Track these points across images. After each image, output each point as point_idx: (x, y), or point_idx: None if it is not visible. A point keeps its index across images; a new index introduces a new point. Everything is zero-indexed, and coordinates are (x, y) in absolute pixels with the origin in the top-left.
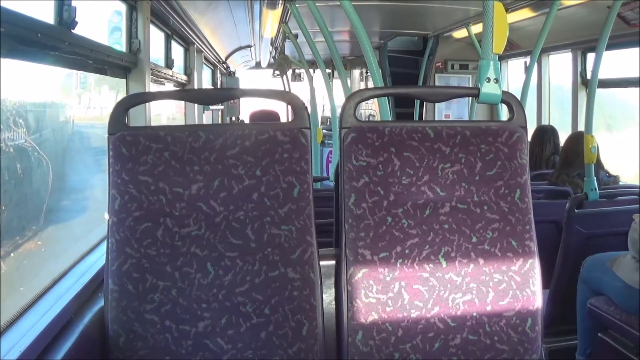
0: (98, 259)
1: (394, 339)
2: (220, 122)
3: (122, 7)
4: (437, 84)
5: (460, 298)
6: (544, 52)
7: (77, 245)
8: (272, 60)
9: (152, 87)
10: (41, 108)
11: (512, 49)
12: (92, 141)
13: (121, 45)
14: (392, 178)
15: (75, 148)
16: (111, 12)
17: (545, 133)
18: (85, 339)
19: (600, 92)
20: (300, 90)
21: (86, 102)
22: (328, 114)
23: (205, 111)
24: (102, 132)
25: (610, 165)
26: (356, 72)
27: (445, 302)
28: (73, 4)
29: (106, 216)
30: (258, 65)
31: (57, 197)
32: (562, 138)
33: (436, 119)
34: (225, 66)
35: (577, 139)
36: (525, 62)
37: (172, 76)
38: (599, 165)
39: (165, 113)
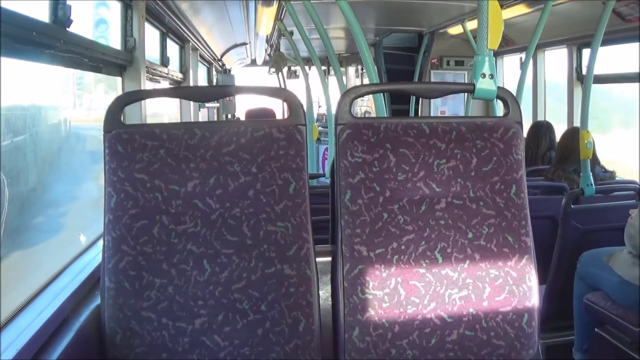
0: (94, 257)
1: (390, 335)
2: (216, 119)
3: (117, 5)
4: (432, 80)
5: (456, 294)
6: (539, 48)
7: (39, 273)
8: (267, 57)
9: (148, 85)
10: (18, 111)
11: (508, 45)
12: (82, 147)
13: (106, 39)
14: (387, 174)
15: (62, 156)
16: (95, 4)
17: (541, 129)
18: (82, 337)
19: (612, 88)
20: (296, 87)
21: (81, 102)
22: (324, 110)
23: (200, 109)
24: (97, 134)
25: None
26: (351, 69)
27: (442, 298)
28: (68, 2)
29: (82, 237)
30: (253, 62)
31: (28, 215)
32: (562, 131)
33: (432, 115)
34: (220, 64)
35: (573, 135)
36: (521, 58)
37: (167, 74)
38: (594, 160)
39: (168, 112)
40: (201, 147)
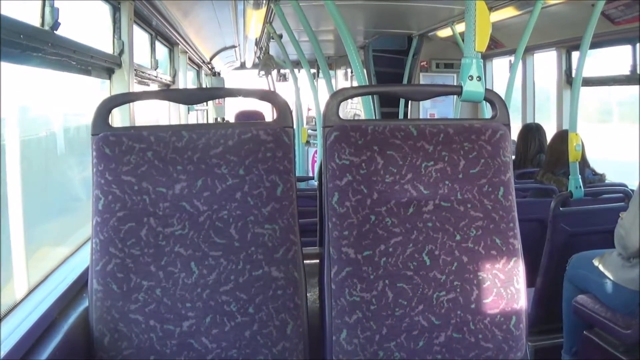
0: (82, 260)
1: (378, 337)
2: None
3: (105, 8)
4: (421, 83)
5: (444, 296)
6: (528, 50)
7: None
8: (257, 60)
9: (137, 88)
10: None
11: (497, 48)
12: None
13: None
14: (375, 176)
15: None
16: None
17: (530, 131)
18: (70, 339)
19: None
20: (286, 90)
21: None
22: (313, 113)
23: (190, 112)
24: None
25: None
26: (341, 72)
27: (430, 300)
28: (56, 5)
29: None
30: (243, 65)
31: None
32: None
33: (421, 118)
34: (210, 67)
35: (562, 138)
36: (510, 61)
37: (156, 77)
38: (584, 163)
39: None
40: (188, 150)
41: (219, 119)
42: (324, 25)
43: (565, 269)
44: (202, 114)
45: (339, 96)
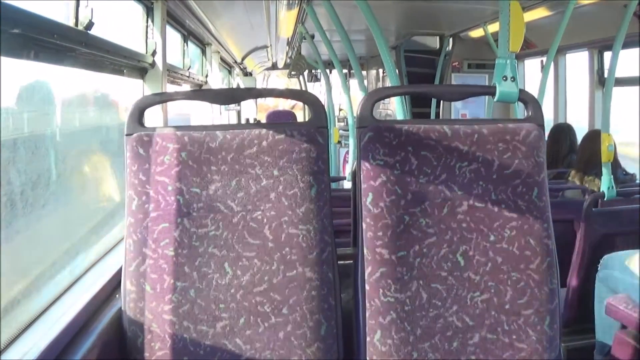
0: (117, 260)
1: (412, 338)
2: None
3: (138, 8)
4: (454, 83)
5: (478, 297)
6: (560, 51)
7: None
8: (288, 60)
9: (169, 88)
10: None
11: (529, 48)
12: None
13: None
14: (409, 177)
15: None
16: None
17: (562, 131)
18: (104, 339)
19: None
20: (317, 90)
21: None
22: (344, 114)
23: (221, 112)
24: None
25: None
26: (373, 72)
27: (464, 301)
28: (89, 5)
29: None
30: (275, 66)
31: None
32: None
33: (453, 118)
34: (241, 67)
35: (594, 138)
36: (542, 61)
37: (188, 77)
38: (616, 163)
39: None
40: (222, 150)
41: (251, 119)
42: (355, 25)
43: (597, 270)
44: (235, 112)
45: (374, 97)
